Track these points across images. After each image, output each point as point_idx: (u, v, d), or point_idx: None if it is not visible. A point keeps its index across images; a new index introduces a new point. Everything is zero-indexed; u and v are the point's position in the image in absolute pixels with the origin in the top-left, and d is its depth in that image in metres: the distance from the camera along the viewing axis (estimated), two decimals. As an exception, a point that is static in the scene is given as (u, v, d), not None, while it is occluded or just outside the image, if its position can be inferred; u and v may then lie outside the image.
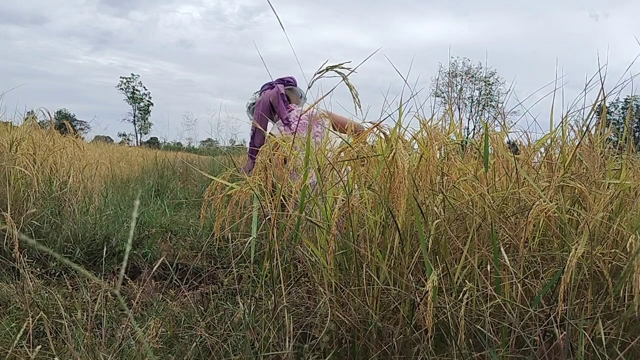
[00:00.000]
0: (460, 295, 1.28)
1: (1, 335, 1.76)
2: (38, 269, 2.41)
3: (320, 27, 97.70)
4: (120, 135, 48.92)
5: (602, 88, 1.56)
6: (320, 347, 1.46)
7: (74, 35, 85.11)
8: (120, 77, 61.61)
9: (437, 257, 1.49)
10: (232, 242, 1.76)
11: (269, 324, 1.44)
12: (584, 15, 75.47)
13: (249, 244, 1.53)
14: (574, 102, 1.67)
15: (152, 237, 3.41)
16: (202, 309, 1.96)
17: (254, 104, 3.14)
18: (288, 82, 2.96)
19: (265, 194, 1.63)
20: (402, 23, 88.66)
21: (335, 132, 2.18)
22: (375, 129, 1.64)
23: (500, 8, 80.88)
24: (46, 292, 2.08)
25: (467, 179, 1.57)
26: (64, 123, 3.95)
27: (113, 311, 2.00)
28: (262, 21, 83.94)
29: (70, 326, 1.65)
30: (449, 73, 38.51)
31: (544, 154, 1.78)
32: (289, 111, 2.87)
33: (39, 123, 3.89)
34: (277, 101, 2.88)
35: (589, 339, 1.23)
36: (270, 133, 2.63)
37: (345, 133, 2.10)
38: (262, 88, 3.04)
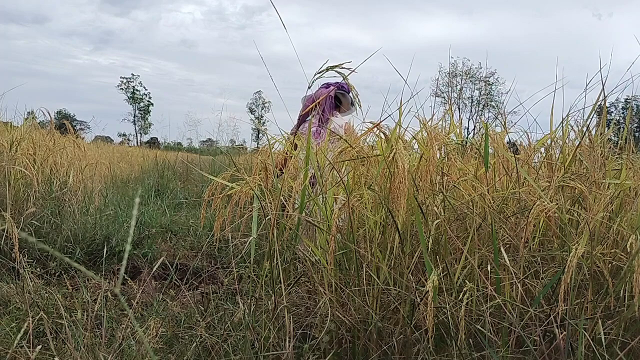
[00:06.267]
0: (461, 295, 1.28)
1: (1, 335, 1.76)
2: (38, 269, 2.41)
3: (323, 26, 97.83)
4: (120, 136, 48.92)
5: (603, 88, 1.57)
6: (320, 347, 1.46)
7: (75, 35, 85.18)
8: (121, 77, 61.72)
9: (437, 257, 1.49)
10: (232, 242, 1.76)
11: (269, 324, 1.44)
12: (587, 14, 75.52)
13: (249, 244, 1.53)
14: (574, 102, 1.67)
15: (152, 237, 3.41)
16: (202, 309, 1.96)
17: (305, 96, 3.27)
18: (342, 87, 3.07)
19: (265, 194, 1.63)
20: (405, 22, 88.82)
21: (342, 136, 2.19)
22: (375, 129, 1.64)
23: (504, 6, 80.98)
24: (46, 292, 2.08)
25: (467, 179, 1.57)
26: (64, 123, 3.95)
27: (113, 311, 2.00)
28: (264, 21, 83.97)
29: (70, 326, 1.65)
30: (449, 73, 38.54)
31: (544, 154, 1.78)
32: (326, 118, 2.99)
33: (39, 123, 3.89)
34: (323, 102, 2.98)
35: (589, 339, 1.23)
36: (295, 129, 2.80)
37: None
38: (320, 86, 3.15)
